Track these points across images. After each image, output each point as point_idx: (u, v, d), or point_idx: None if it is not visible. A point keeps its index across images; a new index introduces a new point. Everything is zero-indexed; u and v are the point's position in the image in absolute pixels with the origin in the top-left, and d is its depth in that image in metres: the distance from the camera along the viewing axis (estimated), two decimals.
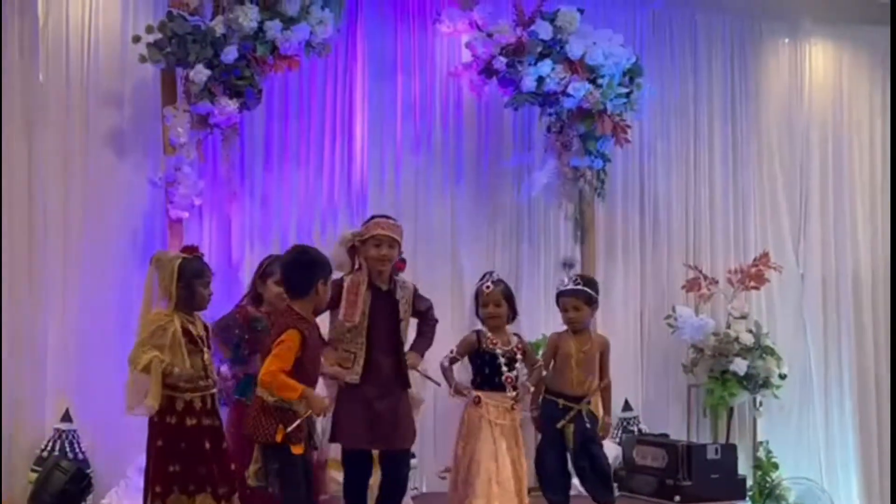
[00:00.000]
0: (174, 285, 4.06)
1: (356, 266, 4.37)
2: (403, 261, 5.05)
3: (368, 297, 4.32)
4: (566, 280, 4.92)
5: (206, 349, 4.13)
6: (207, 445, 4.04)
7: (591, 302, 4.80)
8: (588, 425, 4.71)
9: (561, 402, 4.70)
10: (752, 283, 6.35)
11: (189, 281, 4.09)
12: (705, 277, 6.34)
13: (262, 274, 4.66)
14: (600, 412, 4.91)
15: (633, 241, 6.51)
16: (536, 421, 4.80)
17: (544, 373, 4.73)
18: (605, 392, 4.86)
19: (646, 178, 6.56)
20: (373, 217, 4.53)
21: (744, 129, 6.80)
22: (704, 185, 6.71)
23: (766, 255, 6.44)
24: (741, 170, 6.78)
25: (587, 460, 4.69)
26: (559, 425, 4.67)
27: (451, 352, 4.57)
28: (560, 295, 4.84)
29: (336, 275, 4.23)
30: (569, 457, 4.73)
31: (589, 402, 4.77)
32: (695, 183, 6.68)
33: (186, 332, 4.05)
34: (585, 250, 6.08)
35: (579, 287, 4.78)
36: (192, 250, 4.25)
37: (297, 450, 3.80)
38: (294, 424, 3.76)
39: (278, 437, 3.76)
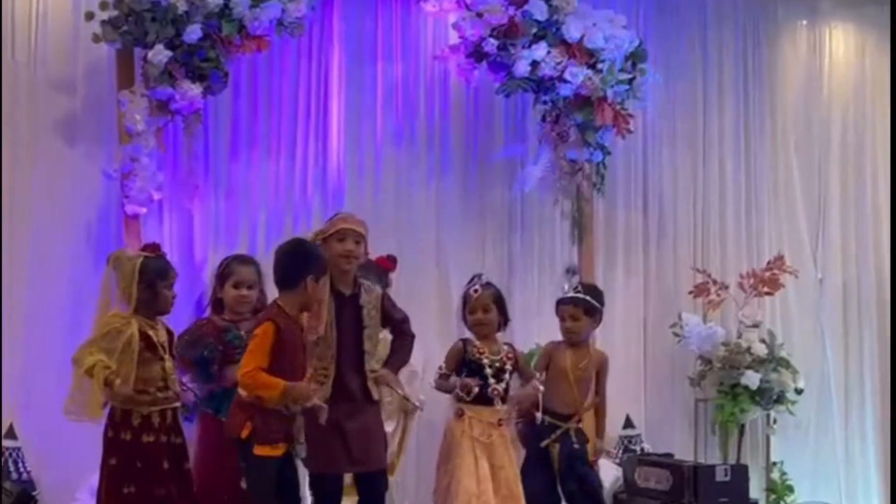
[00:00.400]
0: (135, 286, 4.14)
1: None
2: (393, 259, 5.20)
3: (332, 304, 4.34)
4: (567, 287, 5.02)
5: (167, 357, 4.18)
6: (166, 465, 4.08)
7: (592, 312, 4.91)
8: (576, 445, 4.78)
9: (546, 418, 4.75)
10: (766, 289, 6.38)
11: (152, 281, 4.17)
12: (714, 282, 6.37)
13: (220, 276, 4.73)
14: (592, 435, 4.97)
15: (635, 241, 6.54)
16: (521, 435, 4.84)
17: (541, 388, 4.72)
18: (599, 413, 4.96)
19: (650, 173, 6.60)
20: (336, 214, 4.61)
21: (757, 121, 6.83)
22: (714, 181, 6.74)
23: (780, 257, 6.46)
24: (754, 165, 6.81)
25: (576, 483, 4.75)
26: (543, 444, 4.75)
27: (441, 368, 4.62)
28: (559, 303, 4.99)
29: None
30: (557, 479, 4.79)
31: (579, 422, 4.83)
32: (704, 179, 6.73)
33: (145, 338, 4.09)
34: (583, 251, 6.08)
35: (579, 295, 4.92)
36: (153, 248, 4.31)
37: (259, 450, 3.89)
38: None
39: (243, 434, 3.88)
